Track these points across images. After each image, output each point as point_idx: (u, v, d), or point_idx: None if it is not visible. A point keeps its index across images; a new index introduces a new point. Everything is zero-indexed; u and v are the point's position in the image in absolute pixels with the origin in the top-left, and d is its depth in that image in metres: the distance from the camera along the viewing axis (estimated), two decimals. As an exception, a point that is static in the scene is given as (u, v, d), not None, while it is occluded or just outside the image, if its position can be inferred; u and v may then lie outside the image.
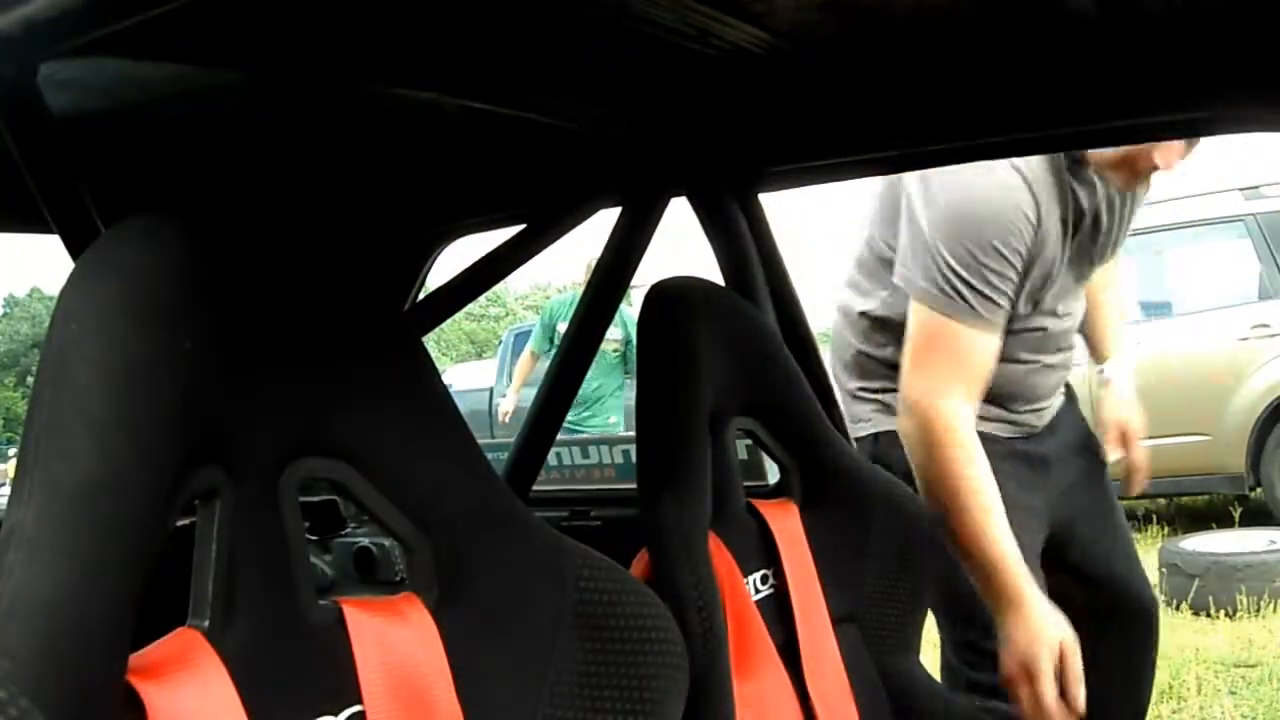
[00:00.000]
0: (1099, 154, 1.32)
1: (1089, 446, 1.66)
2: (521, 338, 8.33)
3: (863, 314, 1.53)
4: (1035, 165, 1.30)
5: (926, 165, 1.29)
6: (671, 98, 1.10)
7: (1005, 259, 1.30)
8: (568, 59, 0.96)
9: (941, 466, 1.33)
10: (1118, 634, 1.56)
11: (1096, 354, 1.73)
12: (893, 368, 1.46)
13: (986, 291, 1.31)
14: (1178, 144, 1.27)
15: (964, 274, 1.30)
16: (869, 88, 1.06)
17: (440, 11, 0.82)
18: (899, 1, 0.84)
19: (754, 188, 1.37)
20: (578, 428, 4.31)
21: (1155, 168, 1.30)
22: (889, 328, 1.49)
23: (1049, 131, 1.15)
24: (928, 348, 1.35)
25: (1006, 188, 1.29)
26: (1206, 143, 1.21)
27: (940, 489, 1.33)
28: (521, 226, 1.49)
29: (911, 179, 1.38)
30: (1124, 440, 1.65)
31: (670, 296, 1.02)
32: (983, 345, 1.34)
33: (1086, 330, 1.69)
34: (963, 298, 1.31)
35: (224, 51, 0.88)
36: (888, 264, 1.47)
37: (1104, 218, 1.43)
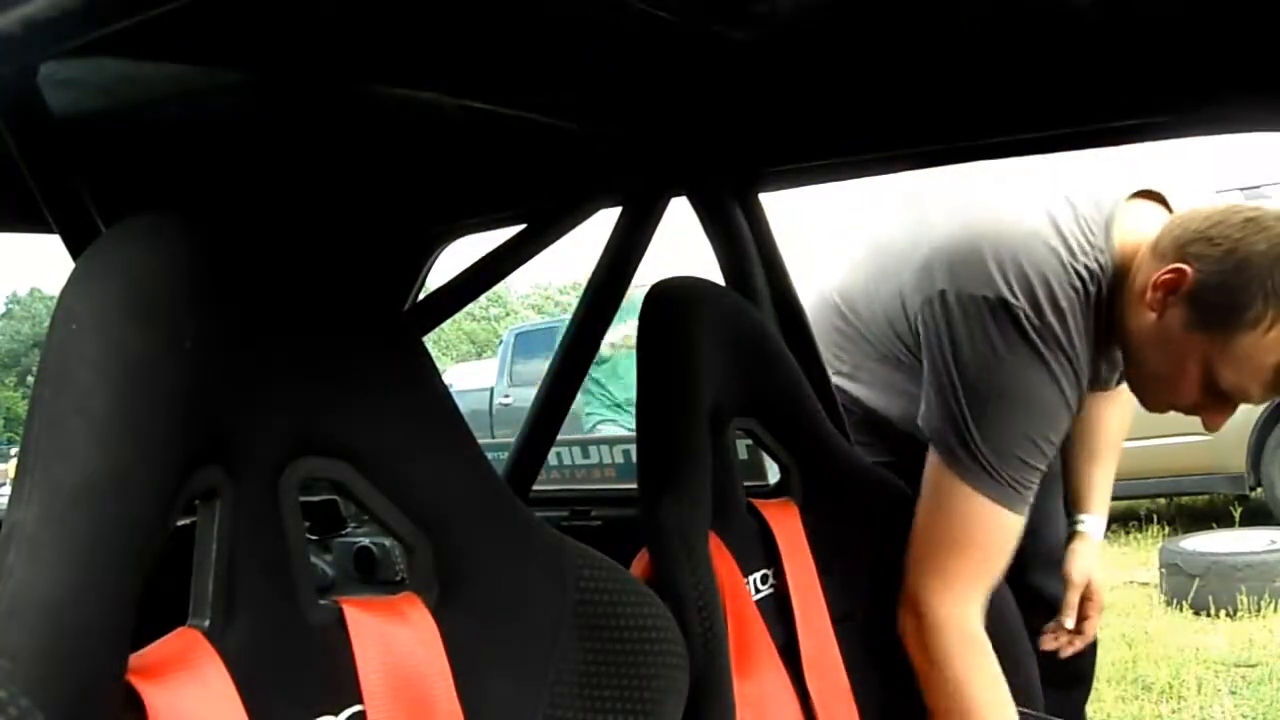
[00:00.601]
0: (1151, 374, 1.20)
1: None
2: (522, 337, 8.33)
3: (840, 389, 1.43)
4: (1080, 347, 1.15)
5: (926, 165, 1.28)
6: (671, 98, 1.10)
7: (1044, 453, 1.17)
8: (568, 59, 0.96)
9: (961, 687, 1.15)
10: (1053, 654, 1.51)
11: (1078, 503, 1.59)
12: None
13: (1030, 479, 1.17)
14: (1225, 411, 1.17)
15: (1011, 466, 1.15)
16: (869, 88, 1.06)
17: (440, 11, 0.82)
18: (900, 1, 0.84)
19: (754, 188, 1.37)
20: None
21: (1195, 416, 1.20)
22: (872, 420, 1.41)
23: (1049, 131, 1.15)
24: (961, 541, 1.15)
25: (1056, 380, 1.14)
26: (1206, 143, 1.20)
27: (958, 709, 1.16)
28: (521, 226, 1.49)
29: (928, 312, 1.20)
30: (1084, 606, 1.52)
31: (670, 296, 1.02)
32: (1016, 532, 1.18)
33: (1074, 476, 1.59)
34: (1011, 484, 1.15)
35: (224, 51, 0.88)
36: (866, 341, 1.39)
37: (1106, 382, 1.36)
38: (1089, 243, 1.16)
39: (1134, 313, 1.16)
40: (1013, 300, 1.13)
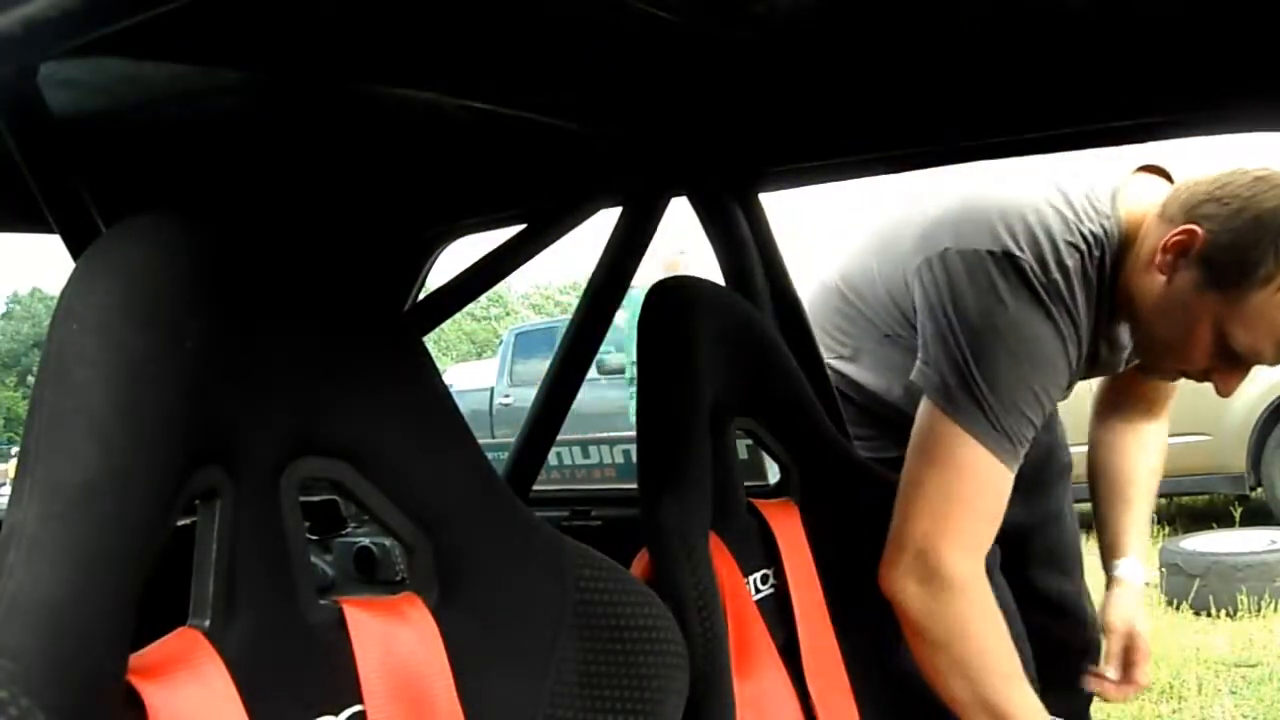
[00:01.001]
0: (1161, 339, 1.18)
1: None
2: (522, 337, 8.33)
3: (837, 371, 1.42)
4: (1083, 310, 1.15)
5: (926, 165, 1.28)
6: (671, 98, 1.10)
7: (1043, 407, 1.14)
8: (568, 59, 0.96)
9: (988, 660, 1.10)
10: (1056, 654, 1.46)
11: (1114, 549, 1.52)
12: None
13: (1025, 434, 1.14)
14: (1237, 375, 1.16)
15: (1012, 416, 1.12)
16: (869, 88, 1.06)
17: (440, 11, 0.82)
18: (899, 1, 0.84)
19: (754, 188, 1.37)
20: None
21: (1207, 382, 1.19)
22: (868, 401, 1.40)
23: (1049, 131, 1.15)
24: (964, 493, 1.11)
25: (1060, 334, 1.13)
26: (1205, 143, 1.20)
27: (975, 675, 1.10)
28: (522, 226, 1.49)
29: (929, 273, 1.18)
30: (1129, 653, 1.45)
31: (670, 296, 1.02)
32: (1007, 493, 1.14)
33: (1108, 526, 1.55)
34: (1009, 436, 1.12)
35: (224, 51, 0.88)
36: (865, 319, 1.39)
37: (1107, 365, 1.33)
38: (1094, 208, 1.16)
39: (1143, 281, 1.15)
40: (1018, 253, 1.13)
